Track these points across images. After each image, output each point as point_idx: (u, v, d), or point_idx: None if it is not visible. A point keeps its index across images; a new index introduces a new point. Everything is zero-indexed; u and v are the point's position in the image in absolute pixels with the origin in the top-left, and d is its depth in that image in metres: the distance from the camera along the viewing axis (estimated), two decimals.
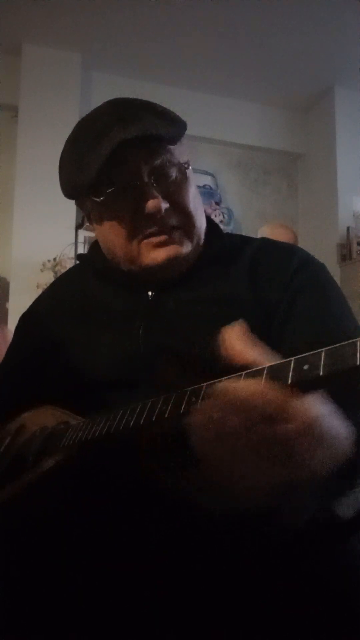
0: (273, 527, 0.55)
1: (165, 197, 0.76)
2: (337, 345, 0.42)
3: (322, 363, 0.42)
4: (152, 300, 0.81)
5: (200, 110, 3.72)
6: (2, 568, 0.74)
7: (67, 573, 0.70)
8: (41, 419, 0.79)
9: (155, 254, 0.77)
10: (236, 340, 0.52)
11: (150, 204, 0.74)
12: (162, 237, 0.77)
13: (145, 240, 0.78)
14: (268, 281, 0.79)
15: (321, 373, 0.42)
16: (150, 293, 0.82)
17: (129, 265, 0.81)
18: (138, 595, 0.66)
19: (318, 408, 0.45)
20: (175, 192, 0.77)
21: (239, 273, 0.81)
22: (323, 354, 0.43)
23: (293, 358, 0.45)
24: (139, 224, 0.76)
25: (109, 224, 0.78)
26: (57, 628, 0.68)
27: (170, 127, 0.76)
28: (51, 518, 0.70)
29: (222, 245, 0.85)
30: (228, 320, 0.75)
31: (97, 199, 0.76)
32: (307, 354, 0.44)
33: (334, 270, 3.62)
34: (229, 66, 3.62)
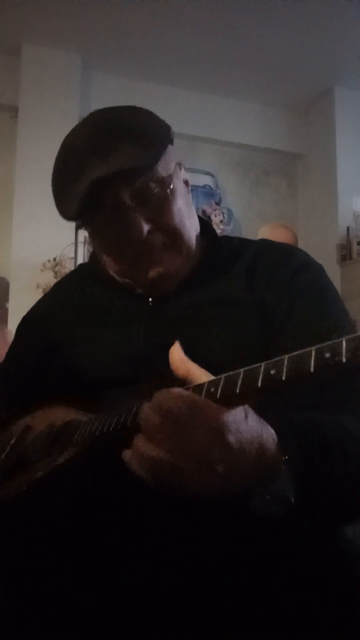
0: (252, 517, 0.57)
1: (148, 219, 0.76)
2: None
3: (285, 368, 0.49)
4: (153, 305, 0.83)
5: (200, 110, 3.70)
6: (9, 563, 0.75)
7: (71, 570, 0.70)
8: (48, 418, 0.80)
9: (144, 273, 0.79)
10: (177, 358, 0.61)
11: (132, 229, 0.76)
12: (149, 259, 0.79)
13: (133, 262, 0.80)
14: (267, 283, 0.80)
15: (284, 377, 0.49)
16: (150, 299, 0.84)
17: (124, 280, 0.83)
18: (141, 587, 0.67)
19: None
20: (158, 211, 0.77)
21: (237, 275, 0.82)
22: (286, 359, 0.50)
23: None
24: (126, 247, 0.78)
25: (100, 246, 0.82)
26: (60, 618, 0.69)
27: (148, 152, 0.75)
28: (62, 510, 0.71)
29: (220, 254, 0.86)
30: (227, 320, 0.78)
31: (85, 229, 0.81)
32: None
33: (334, 270, 3.62)
34: (229, 66, 3.61)
